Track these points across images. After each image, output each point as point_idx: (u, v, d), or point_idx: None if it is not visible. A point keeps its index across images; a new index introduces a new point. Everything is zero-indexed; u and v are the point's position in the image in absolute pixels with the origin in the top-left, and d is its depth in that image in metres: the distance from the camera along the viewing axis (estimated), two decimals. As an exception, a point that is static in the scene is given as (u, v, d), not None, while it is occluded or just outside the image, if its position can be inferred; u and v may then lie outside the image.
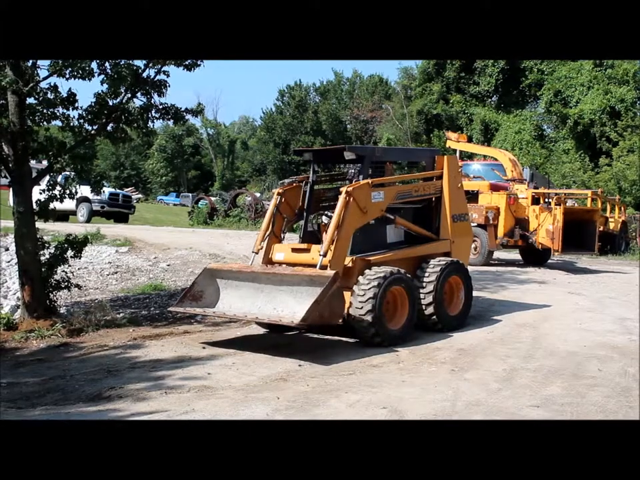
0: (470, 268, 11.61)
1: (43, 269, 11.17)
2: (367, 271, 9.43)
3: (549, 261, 20.72)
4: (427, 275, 10.23)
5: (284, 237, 10.79)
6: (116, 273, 17.06)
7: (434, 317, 10.15)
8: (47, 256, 11.37)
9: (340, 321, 9.21)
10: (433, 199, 11.17)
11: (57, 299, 11.57)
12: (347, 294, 9.32)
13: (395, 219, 10.43)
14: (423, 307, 10.07)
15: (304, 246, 10.10)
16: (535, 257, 20.36)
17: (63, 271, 11.59)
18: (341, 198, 9.63)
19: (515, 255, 22.31)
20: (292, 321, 8.59)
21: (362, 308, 9.09)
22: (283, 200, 10.65)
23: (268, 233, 10.44)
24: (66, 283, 11.54)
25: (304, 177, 11.18)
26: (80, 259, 12.29)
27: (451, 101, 47.81)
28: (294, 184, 10.95)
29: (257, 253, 10.47)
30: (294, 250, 10.15)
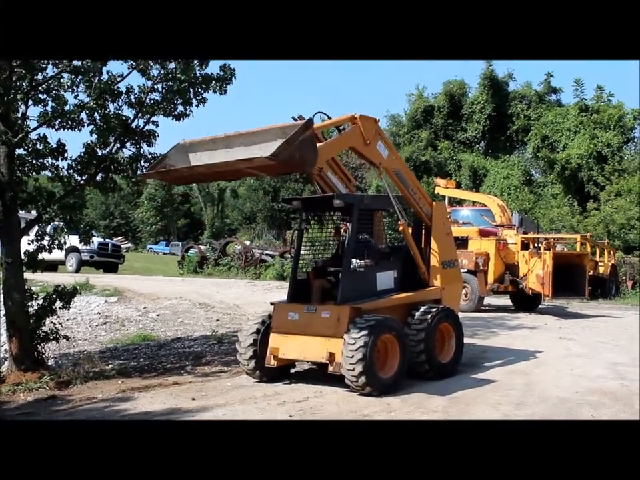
0: (461, 314, 11.58)
1: (31, 320, 11.08)
2: (357, 319, 9.38)
3: (540, 306, 20.73)
4: (417, 322, 10.18)
5: None
6: (105, 323, 16.94)
7: (425, 364, 10.09)
8: (35, 307, 11.28)
9: (308, 169, 9.23)
10: (423, 229, 11.26)
11: (45, 350, 11.46)
12: (338, 340, 9.31)
13: (402, 225, 10.50)
14: (414, 354, 9.99)
15: None
16: (526, 302, 20.37)
17: (52, 322, 11.48)
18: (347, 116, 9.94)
19: (506, 301, 22.30)
20: (261, 155, 8.30)
21: (352, 357, 9.02)
22: None
23: None
24: (54, 335, 11.43)
25: None
26: (69, 309, 12.20)
27: (439, 148, 48.13)
28: None
29: None
30: None
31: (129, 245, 75.26)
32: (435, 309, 10.42)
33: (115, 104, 11.42)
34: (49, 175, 11.66)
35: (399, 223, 10.57)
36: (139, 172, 12.02)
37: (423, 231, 11.34)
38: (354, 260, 10.26)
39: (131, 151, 11.77)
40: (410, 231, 11.31)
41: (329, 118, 10.20)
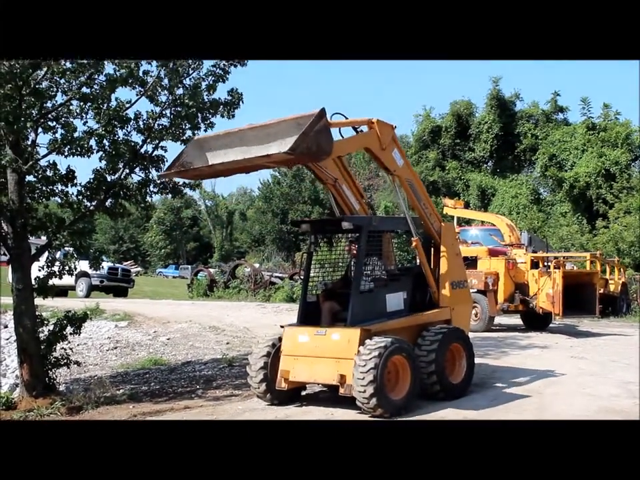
0: (471, 334, 11.55)
1: (42, 346, 11.11)
2: (367, 341, 9.36)
3: (551, 325, 20.62)
4: (428, 343, 10.15)
5: None
6: (115, 348, 16.97)
7: (436, 385, 10.04)
8: (46, 333, 11.31)
9: (325, 157, 9.29)
10: (432, 246, 11.25)
11: (56, 376, 11.48)
12: (348, 362, 9.31)
13: (415, 241, 10.55)
14: (425, 375, 9.96)
15: None
16: (536, 321, 20.26)
17: (62, 348, 11.50)
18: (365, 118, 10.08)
19: (516, 320, 22.21)
20: (279, 150, 8.45)
21: (363, 378, 8.99)
22: None
23: None
24: (65, 360, 11.46)
25: None
26: (79, 335, 12.22)
27: (447, 168, 48.12)
28: None
29: None
30: None
31: (139, 269, 75.51)
32: (445, 330, 10.39)
33: (123, 130, 11.53)
34: (59, 201, 11.73)
35: (412, 239, 10.58)
36: (147, 197, 12.10)
37: (432, 249, 11.31)
38: (363, 280, 10.26)
39: (140, 176, 11.87)
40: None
41: (346, 119, 10.27)
